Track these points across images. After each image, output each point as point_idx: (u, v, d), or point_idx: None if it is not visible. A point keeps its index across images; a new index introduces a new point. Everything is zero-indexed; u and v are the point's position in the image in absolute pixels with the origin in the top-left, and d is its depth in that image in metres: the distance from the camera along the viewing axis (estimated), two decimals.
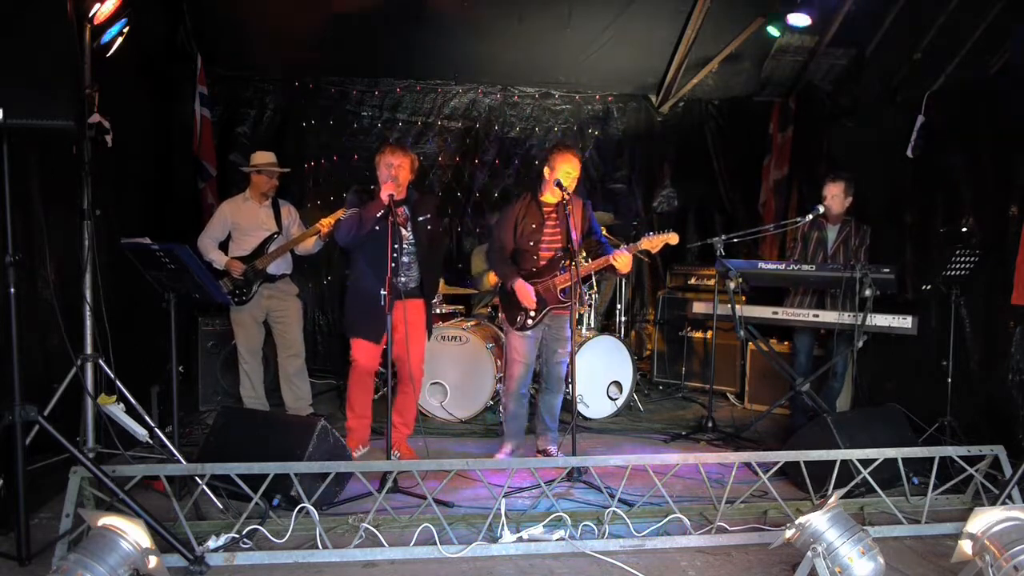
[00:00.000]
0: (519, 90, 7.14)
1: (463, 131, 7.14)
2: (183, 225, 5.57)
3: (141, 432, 3.73)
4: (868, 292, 4.40)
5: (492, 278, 5.79)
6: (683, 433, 5.10)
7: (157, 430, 3.78)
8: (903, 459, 3.58)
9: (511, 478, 3.44)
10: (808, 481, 3.55)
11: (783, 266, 4.83)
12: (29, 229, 3.71)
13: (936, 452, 3.63)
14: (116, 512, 2.72)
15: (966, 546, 2.74)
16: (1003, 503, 3.36)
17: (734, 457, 3.75)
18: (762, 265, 4.91)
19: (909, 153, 5.09)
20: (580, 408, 5.37)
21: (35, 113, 2.79)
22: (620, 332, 6.29)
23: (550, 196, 4.24)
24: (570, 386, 4.39)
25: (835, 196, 4.82)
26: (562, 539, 3.20)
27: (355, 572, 2.98)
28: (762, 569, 3.07)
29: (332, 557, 3.04)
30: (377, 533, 3.15)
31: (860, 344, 4.48)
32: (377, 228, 4.07)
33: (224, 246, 4.97)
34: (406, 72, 6.85)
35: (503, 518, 3.21)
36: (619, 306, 6.51)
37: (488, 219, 6.95)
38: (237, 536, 3.08)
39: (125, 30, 4.20)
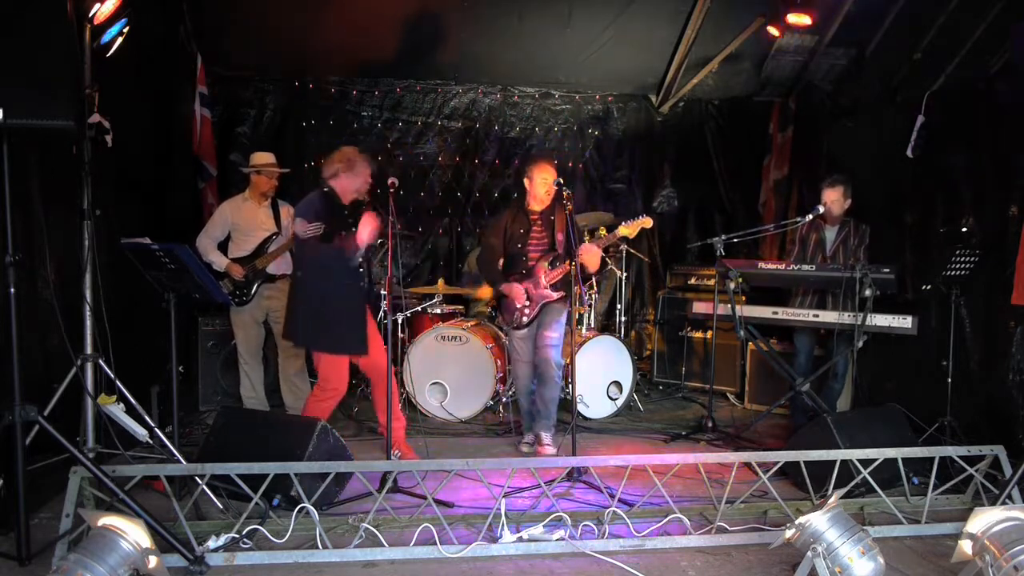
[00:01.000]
0: (519, 90, 7.14)
1: (463, 131, 7.14)
2: (183, 225, 5.56)
3: (141, 432, 3.73)
4: (868, 292, 4.40)
5: (484, 292, 5.83)
6: (683, 433, 5.10)
7: (157, 430, 3.78)
8: (903, 459, 3.58)
9: (511, 478, 3.43)
10: (808, 481, 3.55)
11: (783, 266, 4.83)
12: (29, 229, 3.71)
13: (936, 452, 3.63)
14: (116, 512, 2.72)
15: (966, 546, 2.74)
16: (1003, 503, 3.36)
17: (734, 457, 3.75)
18: (762, 265, 4.92)
19: (909, 153, 5.08)
20: (580, 408, 5.37)
21: (35, 113, 2.79)
22: (620, 332, 6.28)
23: (535, 204, 4.57)
24: (570, 386, 4.42)
25: (835, 201, 4.80)
26: (562, 539, 3.20)
27: (355, 572, 2.98)
28: (762, 569, 3.07)
29: (332, 557, 3.04)
30: (377, 533, 3.15)
31: (860, 344, 4.48)
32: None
33: (224, 246, 4.98)
34: (406, 72, 6.84)
35: (503, 518, 3.22)
36: (619, 306, 6.50)
37: (488, 219, 6.95)
38: (237, 536, 3.08)
39: (125, 30, 4.20)
